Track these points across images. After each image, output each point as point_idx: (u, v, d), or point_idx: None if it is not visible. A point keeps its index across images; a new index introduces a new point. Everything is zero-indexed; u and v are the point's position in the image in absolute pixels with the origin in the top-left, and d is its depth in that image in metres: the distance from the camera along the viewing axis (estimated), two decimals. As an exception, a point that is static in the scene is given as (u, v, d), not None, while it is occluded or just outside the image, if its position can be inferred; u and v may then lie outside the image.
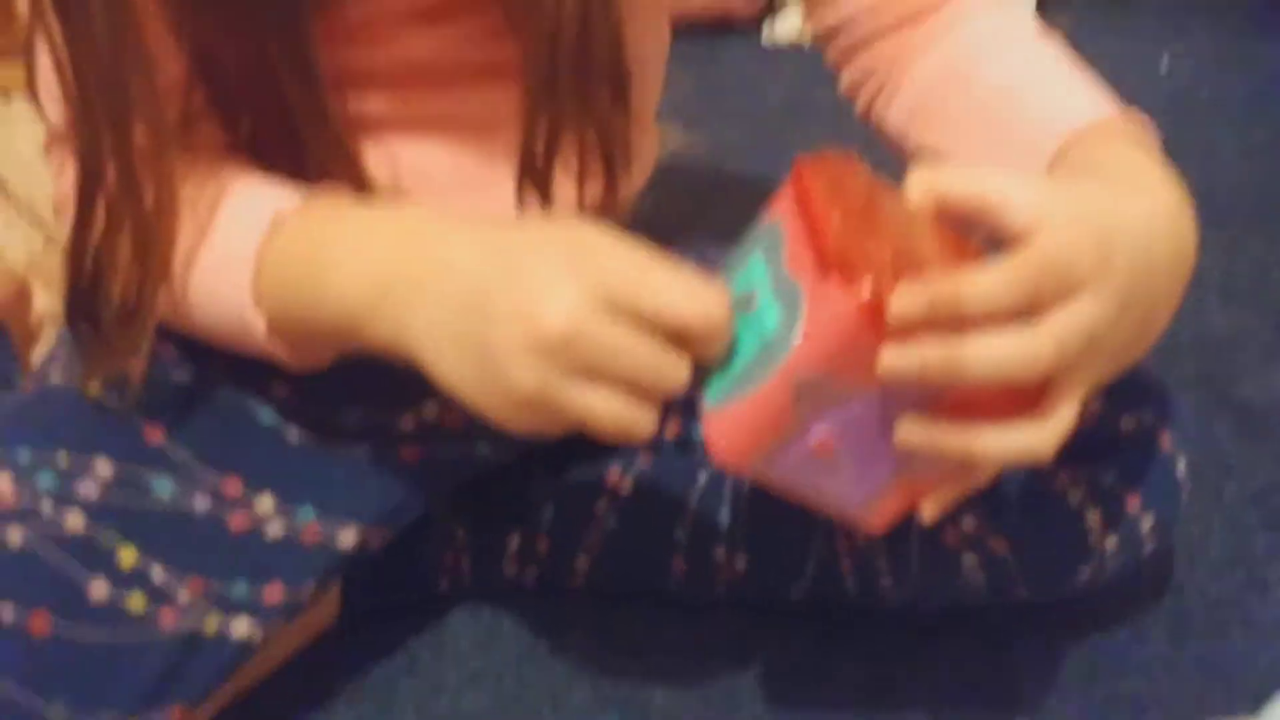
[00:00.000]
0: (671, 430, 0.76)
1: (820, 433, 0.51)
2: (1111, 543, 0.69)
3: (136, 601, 0.62)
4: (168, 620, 0.62)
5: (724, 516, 0.74)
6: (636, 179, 0.74)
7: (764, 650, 0.75)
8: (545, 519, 0.77)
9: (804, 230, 0.51)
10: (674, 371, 0.51)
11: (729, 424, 0.52)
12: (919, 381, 0.48)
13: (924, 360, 0.48)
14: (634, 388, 0.50)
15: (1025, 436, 0.50)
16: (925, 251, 0.52)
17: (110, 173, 0.56)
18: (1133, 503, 0.68)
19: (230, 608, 0.64)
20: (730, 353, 0.52)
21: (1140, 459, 0.69)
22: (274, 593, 0.65)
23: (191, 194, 0.59)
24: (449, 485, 0.74)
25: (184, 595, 0.62)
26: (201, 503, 0.64)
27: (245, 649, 0.64)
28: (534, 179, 0.62)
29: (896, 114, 0.70)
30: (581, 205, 0.64)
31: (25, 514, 0.61)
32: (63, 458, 0.62)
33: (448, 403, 0.54)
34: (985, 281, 0.48)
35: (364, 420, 0.69)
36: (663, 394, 0.51)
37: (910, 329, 0.47)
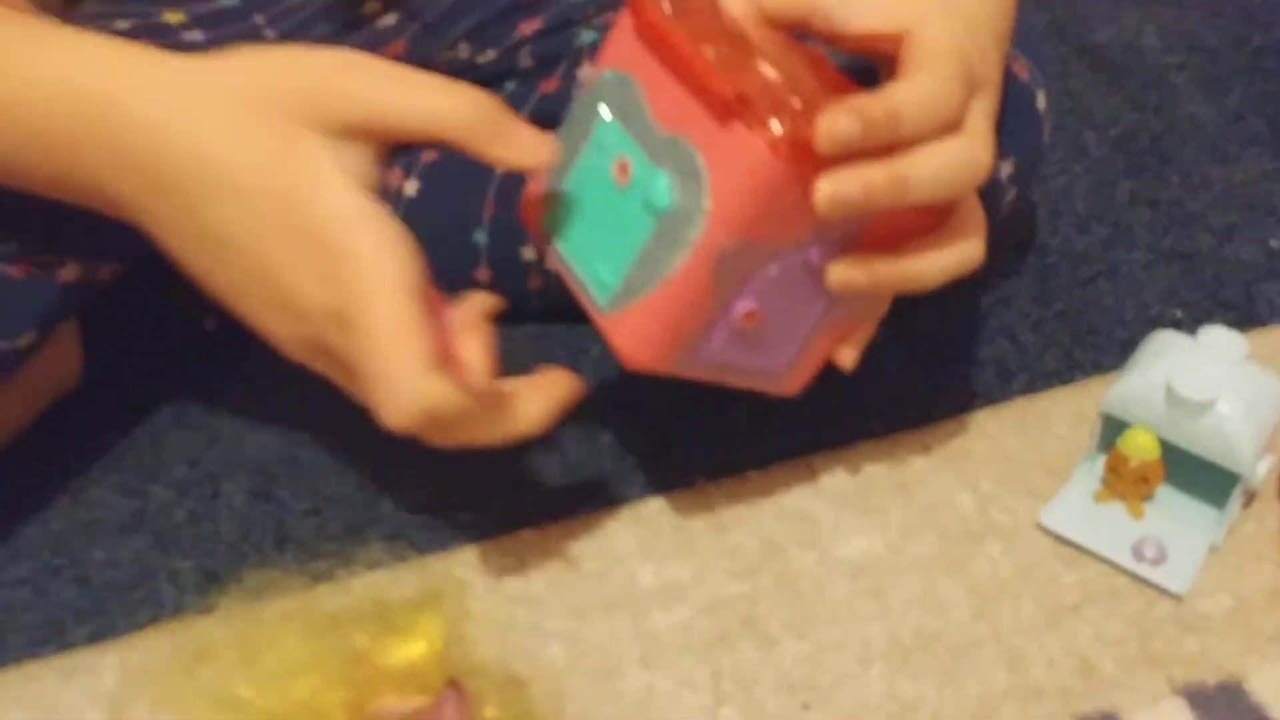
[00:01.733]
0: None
1: (745, 305, 0.46)
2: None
3: None
4: None
5: (531, 209, 0.64)
6: None
7: (588, 356, 0.67)
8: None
9: (670, 77, 0.44)
10: None
11: (641, 323, 0.46)
12: (859, 211, 0.44)
13: (869, 184, 0.43)
14: None
15: (957, 249, 0.48)
16: (792, 68, 0.46)
17: None
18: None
19: (-80, 364, 0.52)
20: (601, 229, 0.47)
21: None
22: (-24, 343, 0.53)
23: None
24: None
25: None
26: None
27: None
28: None
29: None
30: None
31: None
32: None
33: None
34: (920, 91, 0.44)
35: None
36: None
37: (838, 161, 0.43)
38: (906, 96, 0.44)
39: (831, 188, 0.43)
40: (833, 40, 0.49)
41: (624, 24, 0.48)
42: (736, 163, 0.42)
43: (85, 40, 0.44)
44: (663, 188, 0.44)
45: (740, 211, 0.43)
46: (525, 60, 0.63)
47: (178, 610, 0.55)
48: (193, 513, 0.59)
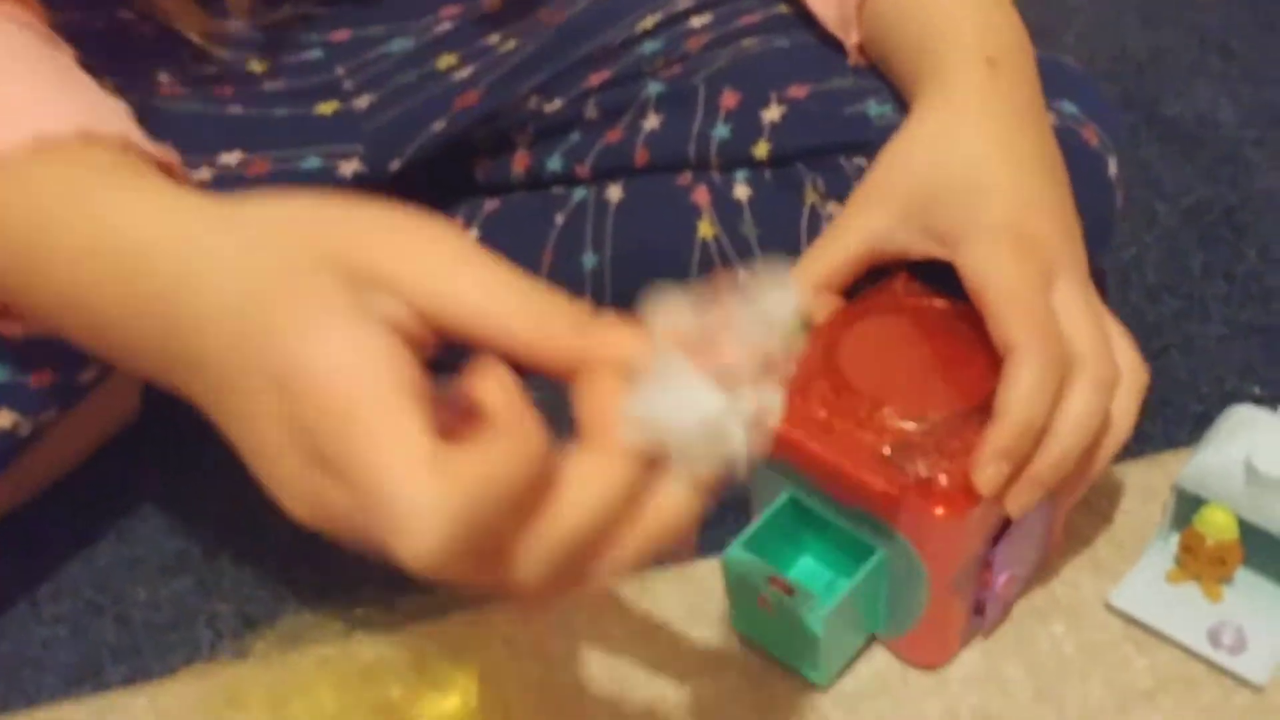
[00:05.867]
0: (520, 163, 0.65)
1: (1002, 577, 0.52)
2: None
3: None
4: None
5: (588, 260, 0.63)
6: None
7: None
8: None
9: (829, 469, 0.49)
10: None
11: (925, 643, 0.53)
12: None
13: (1039, 480, 0.48)
14: None
15: (1127, 415, 0.50)
16: (916, 356, 0.51)
17: None
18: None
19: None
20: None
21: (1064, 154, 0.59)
22: (41, 378, 0.53)
23: None
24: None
25: (-80, 384, 0.50)
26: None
27: (9, 443, 0.52)
28: None
29: None
30: None
31: None
32: None
33: None
34: (1024, 390, 0.46)
35: None
36: None
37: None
38: (1019, 401, 0.46)
39: (1016, 504, 0.48)
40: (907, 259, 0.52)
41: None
42: (923, 529, 0.48)
43: (122, 193, 0.40)
44: (875, 550, 0.50)
45: (947, 560, 0.49)
46: (591, 111, 0.63)
47: (213, 653, 0.54)
48: (236, 555, 0.59)
